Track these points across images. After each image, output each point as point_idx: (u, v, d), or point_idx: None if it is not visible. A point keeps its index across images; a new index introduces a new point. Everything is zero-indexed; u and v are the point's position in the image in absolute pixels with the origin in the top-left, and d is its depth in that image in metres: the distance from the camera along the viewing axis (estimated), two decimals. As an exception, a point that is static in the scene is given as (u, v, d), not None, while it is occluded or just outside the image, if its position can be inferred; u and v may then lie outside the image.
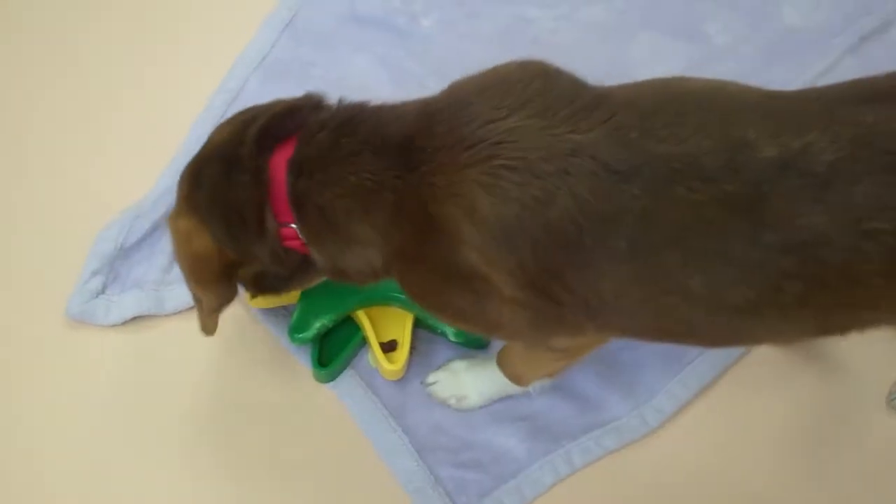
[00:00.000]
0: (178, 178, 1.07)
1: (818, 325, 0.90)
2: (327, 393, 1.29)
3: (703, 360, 1.28)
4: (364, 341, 1.30)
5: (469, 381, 1.25)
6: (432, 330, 1.30)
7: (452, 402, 1.26)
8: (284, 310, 1.32)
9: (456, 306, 0.97)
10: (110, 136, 1.54)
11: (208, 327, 1.14)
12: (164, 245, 1.37)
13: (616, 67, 1.58)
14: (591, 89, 0.91)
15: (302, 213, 0.97)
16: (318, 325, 1.26)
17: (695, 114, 0.85)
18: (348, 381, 1.29)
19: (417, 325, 1.29)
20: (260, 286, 1.12)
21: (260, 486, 1.23)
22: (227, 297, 1.10)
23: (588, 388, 1.28)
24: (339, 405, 1.28)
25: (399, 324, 1.27)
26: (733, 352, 1.28)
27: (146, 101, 1.57)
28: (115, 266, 1.38)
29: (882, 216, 0.79)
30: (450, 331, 1.28)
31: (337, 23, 1.67)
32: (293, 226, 0.99)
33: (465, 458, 1.24)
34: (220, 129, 1.05)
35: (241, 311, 1.35)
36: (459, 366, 1.26)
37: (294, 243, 1.01)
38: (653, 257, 0.85)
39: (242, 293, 1.27)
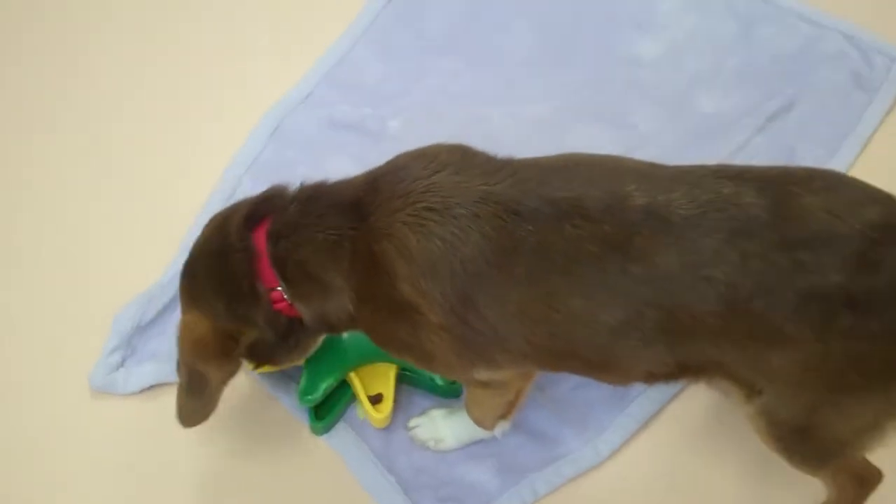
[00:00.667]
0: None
1: (673, 354, 1.03)
2: (322, 444, 1.43)
3: (645, 397, 1.44)
4: (354, 397, 1.45)
5: (445, 426, 1.40)
6: (416, 383, 1.44)
7: (431, 444, 1.40)
8: (282, 373, 1.46)
9: (398, 338, 1.11)
10: (124, 229, 1.73)
11: (207, 408, 1.21)
12: (176, 320, 1.53)
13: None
14: (501, 159, 1.11)
15: (284, 271, 1.11)
16: (324, 387, 1.39)
17: (585, 172, 1.04)
18: (341, 432, 1.44)
19: (400, 380, 1.43)
20: (258, 356, 1.22)
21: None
22: (230, 371, 1.20)
23: (547, 427, 1.43)
24: (333, 454, 1.42)
25: (383, 378, 1.42)
26: (670, 389, 1.45)
27: (156, 202, 1.77)
28: (132, 342, 1.53)
29: (719, 267, 0.95)
30: (438, 377, 1.41)
31: (317, 129, 1.84)
32: (279, 288, 1.13)
33: (445, 494, 1.38)
34: (203, 231, 1.20)
35: (241, 376, 1.49)
36: (437, 413, 1.41)
37: (281, 305, 1.14)
38: (545, 281, 1.01)
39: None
